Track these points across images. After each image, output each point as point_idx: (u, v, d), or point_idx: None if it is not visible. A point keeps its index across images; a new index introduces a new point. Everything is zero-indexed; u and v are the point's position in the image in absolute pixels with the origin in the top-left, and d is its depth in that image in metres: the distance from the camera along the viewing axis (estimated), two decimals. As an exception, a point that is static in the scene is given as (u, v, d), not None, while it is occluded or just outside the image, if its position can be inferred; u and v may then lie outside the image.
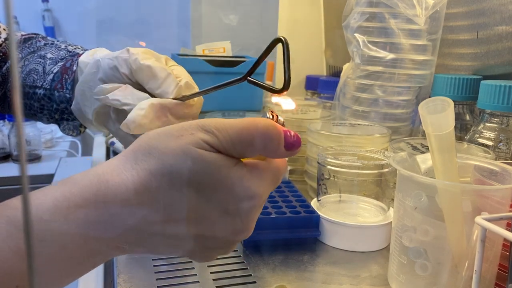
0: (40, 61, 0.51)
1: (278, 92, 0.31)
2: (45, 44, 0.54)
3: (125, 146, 0.47)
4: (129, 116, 0.38)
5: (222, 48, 0.99)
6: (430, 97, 0.46)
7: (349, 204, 0.57)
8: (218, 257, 0.45)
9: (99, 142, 1.04)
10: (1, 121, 1.06)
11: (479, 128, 0.56)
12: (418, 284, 0.41)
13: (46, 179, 0.95)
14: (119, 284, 0.43)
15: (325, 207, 0.57)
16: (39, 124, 0.97)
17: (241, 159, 0.28)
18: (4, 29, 0.55)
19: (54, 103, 0.50)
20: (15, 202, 0.26)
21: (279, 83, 1.09)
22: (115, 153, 0.95)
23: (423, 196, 0.39)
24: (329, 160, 0.55)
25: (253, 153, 0.28)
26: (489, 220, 0.32)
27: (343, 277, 0.47)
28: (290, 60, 0.31)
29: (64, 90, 0.49)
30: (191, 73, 0.43)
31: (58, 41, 0.55)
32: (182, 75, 0.42)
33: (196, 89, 0.42)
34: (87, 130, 0.59)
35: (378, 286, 0.45)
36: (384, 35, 0.68)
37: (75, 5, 1.57)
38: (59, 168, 1.00)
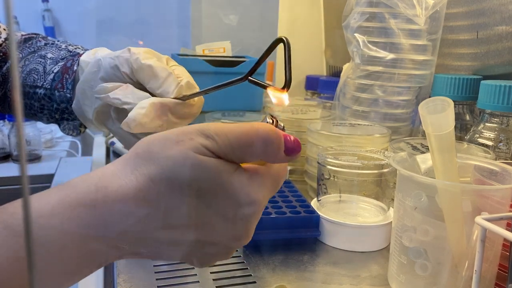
0: (40, 61, 0.51)
1: (279, 91, 0.31)
2: (45, 44, 0.54)
3: (125, 146, 0.47)
4: (129, 115, 0.38)
5: (222, 48, 0.99)
6: (430, 97, 0.46)
7: (349, 204, 0.57)
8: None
9: (99, 142, 1.04)
10: (1, 121, 1.05)
11: (479, 128, 0.56)
12: (418, 284, 0.41)
13: (46, 179, 0.94)
14: (119, 284, 0.43)
15: (325, 207, 0.57)
16: (39, 124, 0.97)
17: (241, 164, 0.28)
18: (4, 29, 0.55)
19: (55, 102, 0.50)
20: (12, 208, 0.26)
21: (279, 83, 1.09)
22: (115, 153, 0.95)
23: (423, 196, 0.39)
24: (329, 160, 0.55)
25: (253, 158, 0.28)
26: (489, 220, 0.32)
27: (343, 277, 0.47)
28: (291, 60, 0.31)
29: (65, 90, 0.49)
30: (191, 73, 0.43)
31: (58, 41, 0.55)
32: (183, 75, 0.42)
33: (197, 89, 0.42)
34: (87, 130, 0.59)
35: (378, 286, 0.45)
36: (384, 35, 0.68)
37: (75, 5, 1.56)
38: (59, 168, 0.99)
